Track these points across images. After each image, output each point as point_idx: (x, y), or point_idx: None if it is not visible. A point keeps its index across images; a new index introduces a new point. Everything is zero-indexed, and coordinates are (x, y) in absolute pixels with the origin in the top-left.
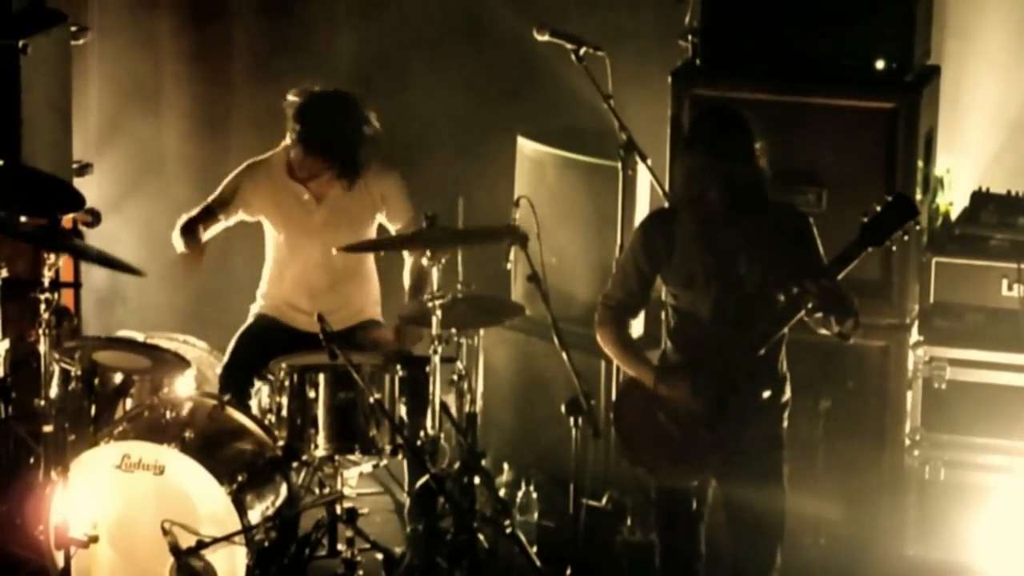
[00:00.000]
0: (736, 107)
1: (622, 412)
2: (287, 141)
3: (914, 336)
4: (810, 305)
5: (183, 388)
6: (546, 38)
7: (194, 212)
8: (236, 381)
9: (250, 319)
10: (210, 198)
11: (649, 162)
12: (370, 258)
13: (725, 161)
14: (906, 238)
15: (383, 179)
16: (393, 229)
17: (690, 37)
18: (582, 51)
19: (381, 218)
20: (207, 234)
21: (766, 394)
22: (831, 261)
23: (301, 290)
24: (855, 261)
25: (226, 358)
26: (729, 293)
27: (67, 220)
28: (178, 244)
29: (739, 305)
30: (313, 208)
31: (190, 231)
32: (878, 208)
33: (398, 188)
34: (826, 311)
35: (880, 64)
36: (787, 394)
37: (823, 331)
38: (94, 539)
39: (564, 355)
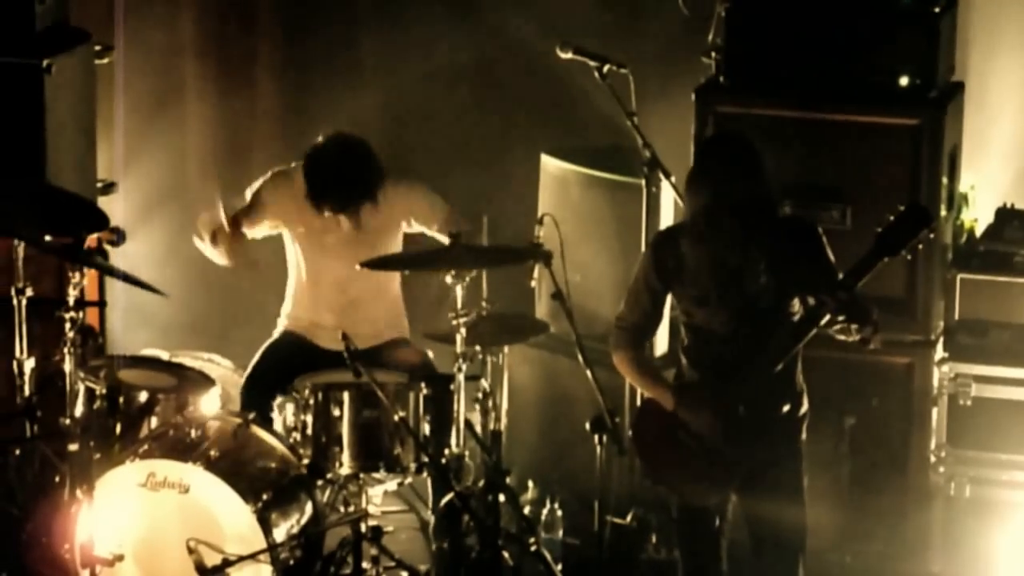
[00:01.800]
0: (739, 129)
1: (641, 431)
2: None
3: (939, 353)
4: (827, 318)
5: (208, 407)
6: (569, 56)
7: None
8: (257, 394)
9: (276, 334)
10: (237, 209)
11: (673, 179)
12: (395, 275)
13: (735, 188)
14: (920, 247)
15: (407, 195)
16: (432, 231)
17: (713, 54)
18: (605, 68)
19: (411, 229)
20: (234, 248)
21: (785, 408)
22: (847, 273)
23: (324, 308)
24: (871, 272)
25: (249, 370)
26: (743, 310)
27: (91, 239)
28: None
29: (754, 321)
30: (335, 227)
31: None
32: (892, 218)
33: (423, 197)
34: (845, 321)
35: (904, 80)
36: (804, 407)
37: (842, 337)
38: (119, 558)
39: (588, 372)
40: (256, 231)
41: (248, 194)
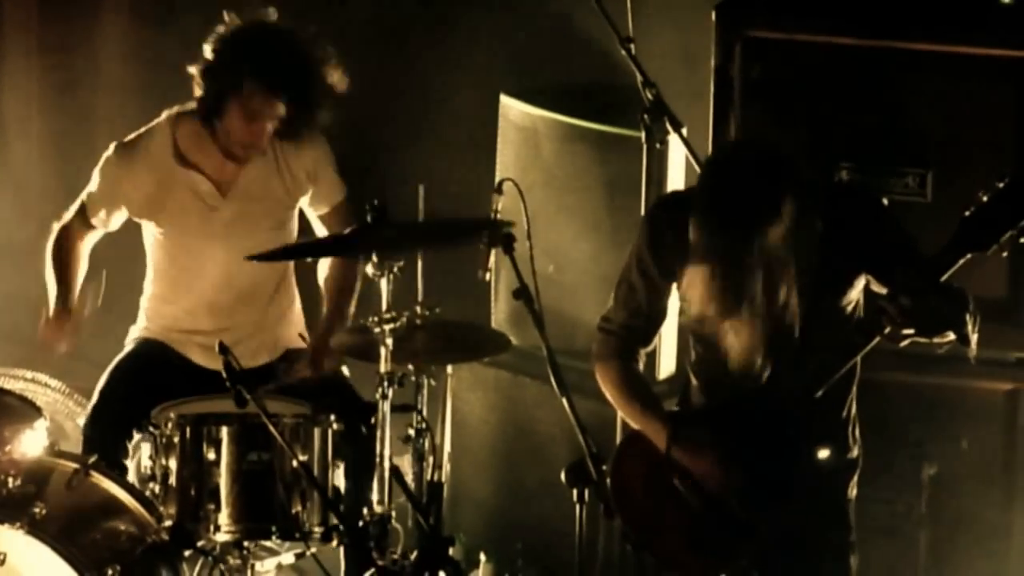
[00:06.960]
0: (764, 140)
1: (622, 476)
2: (169, 112)
3: None
4: (888, 330)
5: (31, 446)
6: None
7: (67, 218)
8: (108, 435)
9: (129, 345)
10: (84, 195)
11: (684, 131)
12: (290, 266)
13: (762, 238)
14: (1022, 240)
15: (310, 148)
16: (316, 214)
17: None
18: None
19: (304, 202)
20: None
21: (824, 453)
22: (916, 273)
23: (199, 310)
24: (951, 270)
25: (93, 400)
26: (769, 313)
27: None
28: (49, 284)
29: (784, 330)
30: (217, 202)
31: (64, 283)
32: (984, 198)
33: (326, 157)
34: (917, 335)
35: None
36: (855, 451)
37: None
38: None
39: (565, 401)
40: (111, 224)
41: (96, 180)
